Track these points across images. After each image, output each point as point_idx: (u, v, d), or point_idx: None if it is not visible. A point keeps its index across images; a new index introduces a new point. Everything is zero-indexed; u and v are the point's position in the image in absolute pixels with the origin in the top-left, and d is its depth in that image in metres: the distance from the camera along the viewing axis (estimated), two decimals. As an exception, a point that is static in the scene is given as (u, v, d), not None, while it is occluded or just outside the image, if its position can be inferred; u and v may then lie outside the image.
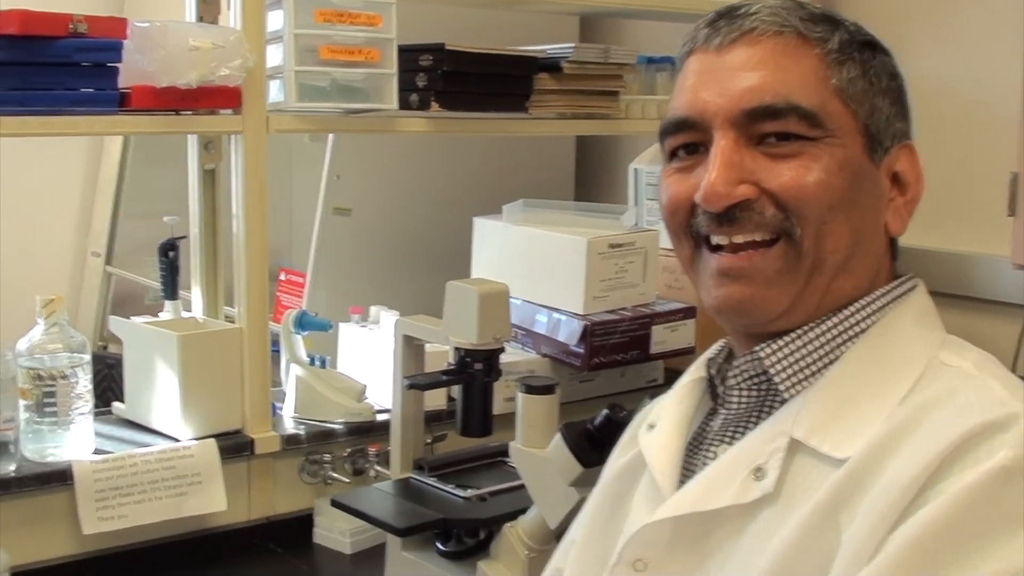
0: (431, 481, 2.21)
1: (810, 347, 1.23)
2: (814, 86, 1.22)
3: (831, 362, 1.23)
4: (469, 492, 2.14)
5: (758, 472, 1.18)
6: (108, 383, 2.90)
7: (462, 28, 2.88)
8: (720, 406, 1.32)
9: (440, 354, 2.34)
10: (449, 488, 2.17)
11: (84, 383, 2.23)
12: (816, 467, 1.16)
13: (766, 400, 1.27)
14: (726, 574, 1.18)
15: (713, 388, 1.35)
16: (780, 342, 1.24)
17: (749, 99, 1.22)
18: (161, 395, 2.35)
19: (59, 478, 2.18)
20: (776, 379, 1.24)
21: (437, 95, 2.53)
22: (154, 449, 2.27)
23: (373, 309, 2.69)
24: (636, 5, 2.90)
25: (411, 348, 2.25)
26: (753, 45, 1.24)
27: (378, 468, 2.45)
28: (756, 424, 1.25)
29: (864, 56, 1.26)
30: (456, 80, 2.54)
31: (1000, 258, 2.57)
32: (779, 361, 1.24)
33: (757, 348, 1.25)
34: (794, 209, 1.20)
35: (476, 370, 2.09)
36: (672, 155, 1.29)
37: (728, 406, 1.30)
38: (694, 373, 1.38)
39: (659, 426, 1.34)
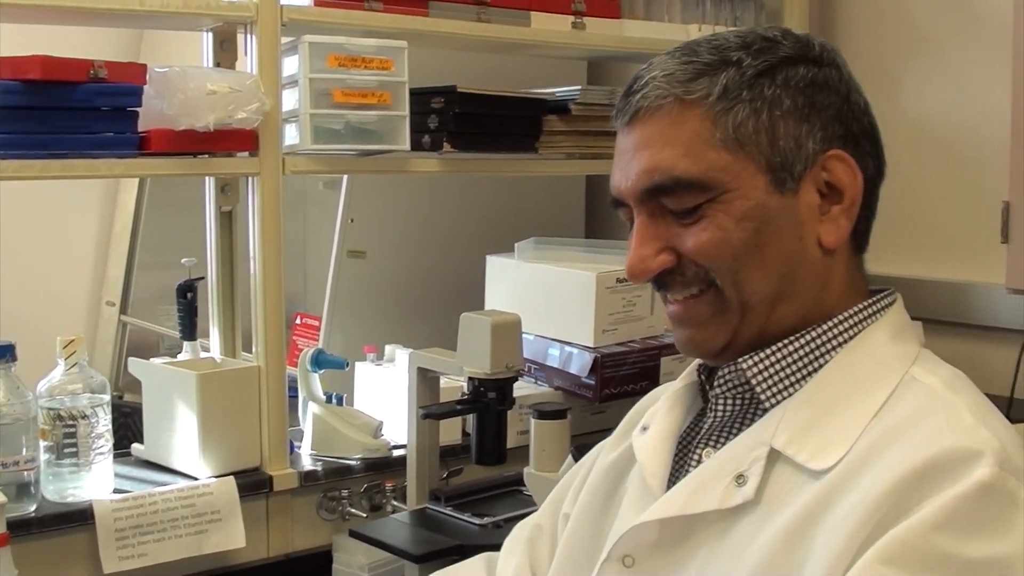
0: (447, 511, 2.24)
1: (790, 359, 1.29)
2: (698, 150, 1.25)
3: (811, 373, 1.28)
4: (485, 519, 2.17)
5: (740, 479, 1.23)
6: (125, 431, 2.92)
7: (473, 72, 2.92)
8: (708, 410, 1.36)
9: (454, 388, 2.38)
10: (465, 517, 2.20)
11: (104, 423, 2.24)
12: (794, 476, 1.21)
13: (749, 408, 1.32)
14: (708, 574, 1.23)
15: (704, 390, 1.40)
16: (762, 354, 1.29)
17: (643, 181, 1.28)
18: (180, 435, 2.37)
19: (79, 518, 2.19)
20: (757, 389, 1.29)
21: (449, 136, 2.56)
22: (173, 487, 2.28)
23: (388, 348, 2.72)
24: (639, 48, 2.93)
25: (426, 380, 2.29)
26: (644, 124, 1.29)
27: (395, 503, 2.47)
28: (740, 431, 1.30)
29: (756, 90, 1.26)
30: (467, 121, 2.58)
31: (995, 285, 2.61)
32: (760, 372, 1.29)
33: (740, 360, 1.30)
34: (706, 266, 1.27)
35: (490, 399, 2.13)
36: (631, 221, 1.35)
37: (715, 412, 1.35)
38: (686, 378, 1.43)
39: (652, 429, 1.40)
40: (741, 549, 1.20)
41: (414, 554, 2.07)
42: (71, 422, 2.20)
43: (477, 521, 2.17)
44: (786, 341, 1.29)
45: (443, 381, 2.36)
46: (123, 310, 4.08)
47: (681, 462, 1.36)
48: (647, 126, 1.29)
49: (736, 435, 1.30)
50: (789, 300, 1.28)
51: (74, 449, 2.21)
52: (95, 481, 2.23)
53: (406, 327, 3.03)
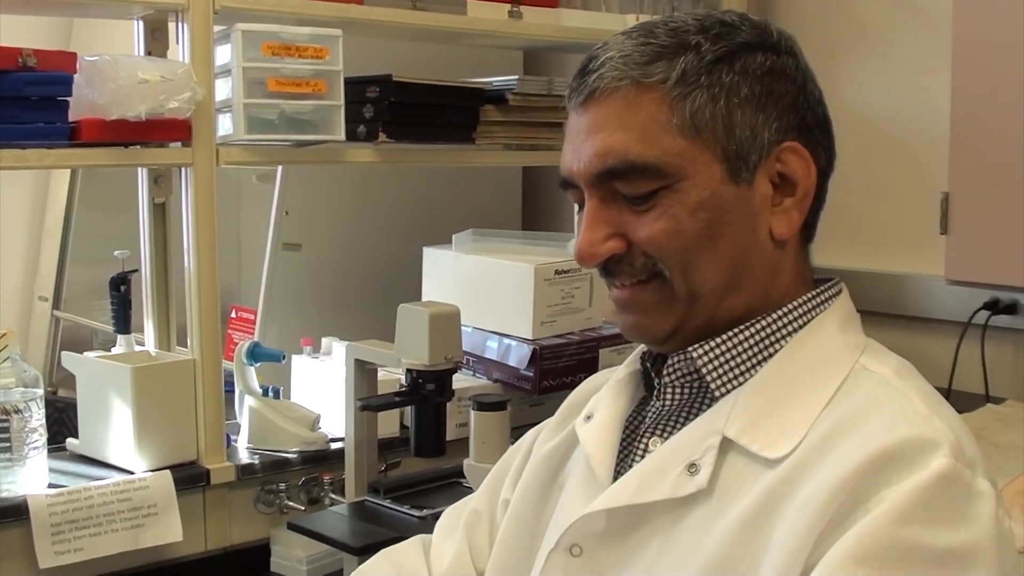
0: (386, 503, 2.24)
1: (740, 347, 1.28)
2: (654, 135, 1.23)
3: (761, 362, 1.28)
4: (424, 512, 2.16)
5: (692, 468, 1.22)
6: (59, 426, 2.89)
7: (410, 61, 2.90)
8: (655, 398, 1.35)
9: (392, 381, 2.37)
10: (404, 509, 2.19)
11: (38, 417, 2.21)
12: (748, 466, 1.21)
13: (698, 397, 1.31)
14: (661, 564, 1.22)
15: (648, 379, 1.39)
16: (713, 343, 1.28)
17: (596, 164, 1.26)
18: (115, 428, 2.34)
19: (14, 513, 2.16)
20: (708, 378, 1.28)
21: (384, 126, 2.54)
22: (109, 481, 2.26)
23: (324, 340, 2.71)
24: (576, 38, 2.93)
25: (363, 372, 2.27)
26: (599, 105, 1.26)
27: (333, 496, 2.45)
28: (688, 420, 1.29)
29: (715, 76, 1.24)
30: (403, 111, 2.56)
31: (934, 277, 2.64)
32: (711, 361, 1.28)
33: (690, 348, 1.29)
34: (655, 257, 1.26)
35: (429, 391, 2.12)
36: (579, 203, 1.33)
37: (663, 400, 1.34)
38: (630, 366, 1.42)
39: (597, 418, 1.38)
40: (696, 539, 1.20)
41: (353, 546, 2.06)
42: (4, 417, 2.17)
43: (416, 513, 2.17)
44: (736, 330, 1.28)
45: (381, 373, 2.35)
46: (56, 305, 4.04)
47: (626, 451, 1.35)
48: (602, 108, 1.26)
49: (684, 424, 1.29)
50: (739, 291, 1.28)
51: (7, 444, 2.18)
52: (29, 476, 2.21)
53: (343, 320, 3.01)
